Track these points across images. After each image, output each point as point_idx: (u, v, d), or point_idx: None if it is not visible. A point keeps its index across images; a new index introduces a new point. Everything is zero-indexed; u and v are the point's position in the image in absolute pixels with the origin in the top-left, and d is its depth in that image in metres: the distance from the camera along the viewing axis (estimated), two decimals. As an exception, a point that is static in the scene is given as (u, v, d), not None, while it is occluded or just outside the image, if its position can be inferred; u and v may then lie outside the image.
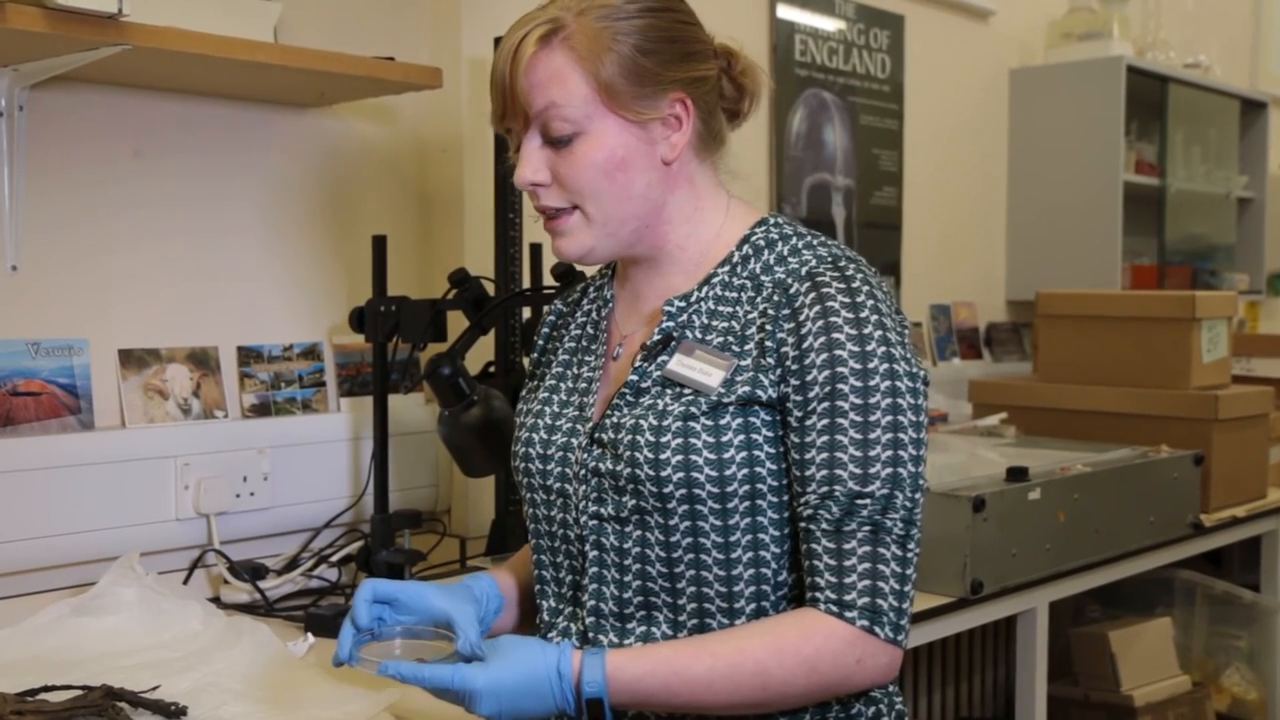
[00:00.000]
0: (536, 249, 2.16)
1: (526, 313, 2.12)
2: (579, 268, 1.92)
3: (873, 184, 3.35)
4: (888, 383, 1.17)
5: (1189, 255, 4.15)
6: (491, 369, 2.11)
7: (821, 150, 3.20)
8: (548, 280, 2.07)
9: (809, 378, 1.17)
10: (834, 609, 1.16)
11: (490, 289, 2.03)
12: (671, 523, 1.20)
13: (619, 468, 1.21)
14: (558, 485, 1.28)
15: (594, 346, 1.34)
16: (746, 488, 1.19)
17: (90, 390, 1.86)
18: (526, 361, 2.09)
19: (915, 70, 3.45)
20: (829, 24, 3.19)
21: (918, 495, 1.19)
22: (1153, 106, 3.89)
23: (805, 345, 1.18)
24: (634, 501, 1.21)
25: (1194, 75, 4.14)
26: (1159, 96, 3.89)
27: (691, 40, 1.25)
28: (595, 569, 1.25)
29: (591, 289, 1.41)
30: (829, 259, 1.23)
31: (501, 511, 2.10)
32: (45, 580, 1.79)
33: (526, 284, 2.14)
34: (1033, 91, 3.77)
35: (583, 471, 1.25)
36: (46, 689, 1.39)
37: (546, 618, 1.31)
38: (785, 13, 3.06)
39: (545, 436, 1.30)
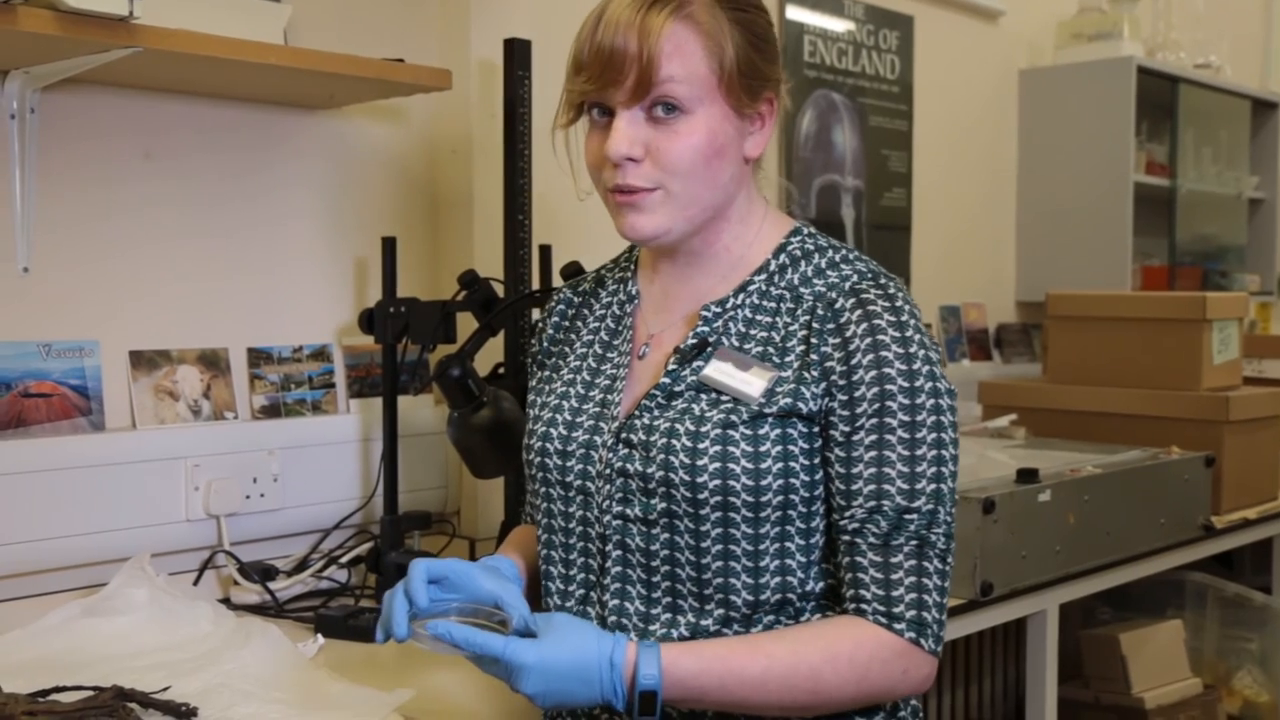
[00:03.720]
0: (545, 250, 2.16)
1: (536, 314, 2.12)
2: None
3: (882, 185, 3.35)
4: (932, 401, 1.19)
5: (1199, 256, 4.14)
6: (501, 370, 2.11)
7: (831, 151, 3.19)
8: (557, 281, 2.06)
9: (857, 394, 1.19)
10: (883, 619, 1.18)
11: (499, 290, 2.03)
12: (703, 528, 1.20)
13: (650, 470, 1.21)
14: (578, 483, 1.28)
15: (616, 342, 1.33)
16: (780, 498, 1.20)
17: (101, 392, 1.86)
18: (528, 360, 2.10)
19: (925, 71, 3.44)
20: (838, 25, 3.18)
21: (954, 510, 1.22)
22: (1163, 107, 3.88)
23: (853, 362, 1.19)
24: (664, 505, 1.21)
25: (1204, 76, 4.12)
26: (1169, 97, 3.88)
27: (775, 41, 1.27)
28: (619, 568, 1.25)
29: (610, 281, 1.39)
30: (869, 275, 1.24)
31: (511, 513, 2.10)
32: (56, 581, 1.79)
33: (535, 285, 2.14)
34: (1042, 92, 3.76)
35: (608, 470, 1.25)
36: (58, 690, 1.40)
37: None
38: (794, 14, 3.06)
39: (565, 432, 1.29)
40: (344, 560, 1.99)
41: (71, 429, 1.82)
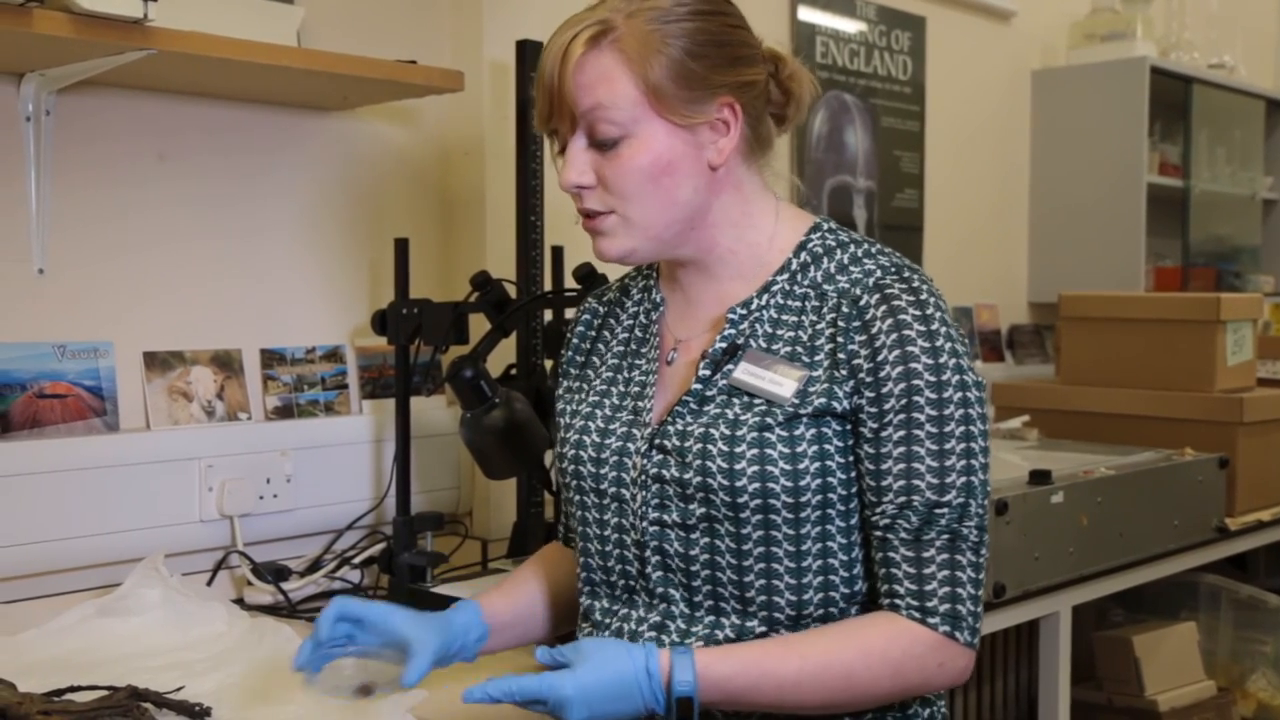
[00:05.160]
0: (558, 251, 2.16)
1: (548, 315, 2.12)
2: (605, 269, 1.92)
3: (894, 186, 3.34)
4: (960, 394, 1.19)
5: (1213, 257, 4.12)
6: (513, 371, 2.11)
7: (843, 152, 3.19)
8: (569, 283, 2.07)
9: (884, 390, 1.19)
10: (916, 614, 1.18)
11: (512, 291, 2.03)
12: (744, 531, 1.20)
13: (687, 475, 1.22)
14: (613, 490, 1.28)
15: (644, 350, 1.34)
16: (819, 497, 1.20)
17: (115, 392, 1.87)
18: (548, 362, 2.10)
19: (936, 72, 3.44)
20: (850, 26, 3.18)
21: (986, 503, 1.22)
22: (1176, 107, 3.86)
23: (880, 358, 1.19)
24: (703, 509, 1.21)
25: (1218, 76, 4.11)
26: (1183, 97, 3.87)
27: (740, 44, 1.25)
28: (659, 573, 1.26)
29: (634, 290, 1.40)
30: (892, 269, 1.24)
31: (523, 514, 2.11)
32: (70, 581, 1.80)
33: (548, 286, 2.14)
34: (1055, 92, 3.75)
35: (643, 477, 1.25)
36: (72, 689, 1.40)
37: (598, 617, 1.32)
38: (806, 15, 3.06)
39: (598, 440, 1.30)
40: (357, 561, 2.00)
41: (86, 430, 1.83)
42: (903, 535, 1.19)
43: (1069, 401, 2.87)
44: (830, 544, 1.21)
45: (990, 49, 3.66)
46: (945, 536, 1.19)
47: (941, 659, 1.19)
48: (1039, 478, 2.15)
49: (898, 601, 1.19)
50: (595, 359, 1.39)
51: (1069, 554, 2.15)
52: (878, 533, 1.21)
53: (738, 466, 1.19)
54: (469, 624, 1.32)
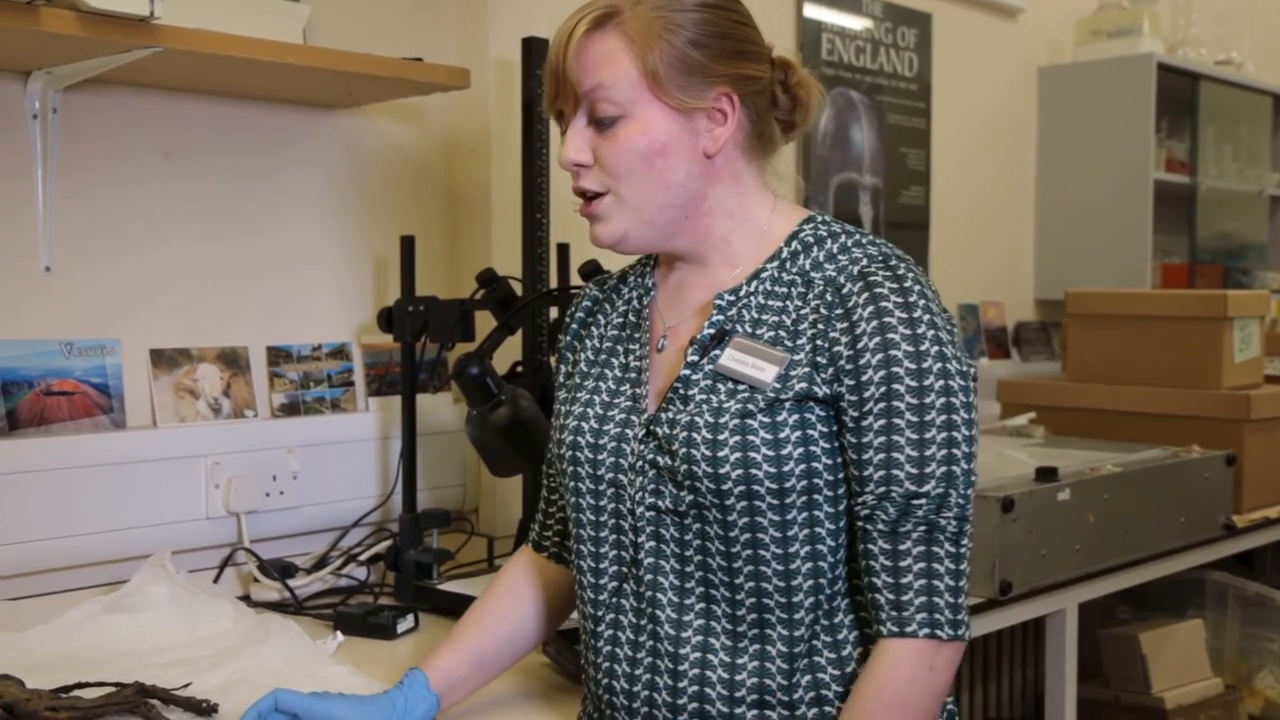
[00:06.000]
0: (564, 249, 2.17)
1: (554, 312, 2.12)
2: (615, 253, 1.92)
3: (900, 183, 3.34)
4: (941, 382, 1.18)
5: (1220, 254, 4.12)
6: (519, 369, 2.11)
7: (849, 149, 3.19)
8: (575, 280, 2.07)
9: (864, 378, 1.18)
10: (894, 629, 1.18)
11: (518, 289, 2.03)
12: (730, 519, 1.21)
13: (675, 463, 1.22)
14: (610, 475, 1.29)
15: (637, 335, 1.34)
16: (804, 483, 1.20)
17: (122, 390, 1.87)
18: (553, 359, 2.10)
19: (943, 69, 3.43)
20: (856, 23, 3.18)
21: (970, 491, 1.21)
22: (1184, 104, 3.86)
23: (860, 345, 1.19)
24: (691, 497, 1.22)
25: (1225, 72, 4.10)
26: (1190, 94, 3.86)
27: (745, 40, 1.27)
28: (651, 559, 1.26)
29: (631, 276, 1.41)
30: (879, 258, 1.23)
31: (529, 511, 2.11)
32: (77, 578, 1.80)
33: (554, 284, 2.14)
34: (1062, 89, 3.75)
35: (639, 463, 1.26)
36: (80, 686, 1.41)
37: (590, 610, 1.32)
38: (812, 12, 3.05)
39: (596, 426, 1.31)
40: (363, 558, 2.00)
41: (93, 427, 1.83)
42: (880, 527, 1.19)
43: (1075, 399, 2.87)
44: (818, 530, 1.21)
45: (997, 45, 3.65)
46: (922, 528, 1.18)
47: (930, 663, 1.18)
48: (1045, 475, 2.14)
49: (880, 614, 1.19)
50: (590, 343, 1.40)
51: (1075, 551, 2.15)
52: (859, 523, 1.20)
53: (720, 454, 1.19)
54: (412, 699, 1.34)
